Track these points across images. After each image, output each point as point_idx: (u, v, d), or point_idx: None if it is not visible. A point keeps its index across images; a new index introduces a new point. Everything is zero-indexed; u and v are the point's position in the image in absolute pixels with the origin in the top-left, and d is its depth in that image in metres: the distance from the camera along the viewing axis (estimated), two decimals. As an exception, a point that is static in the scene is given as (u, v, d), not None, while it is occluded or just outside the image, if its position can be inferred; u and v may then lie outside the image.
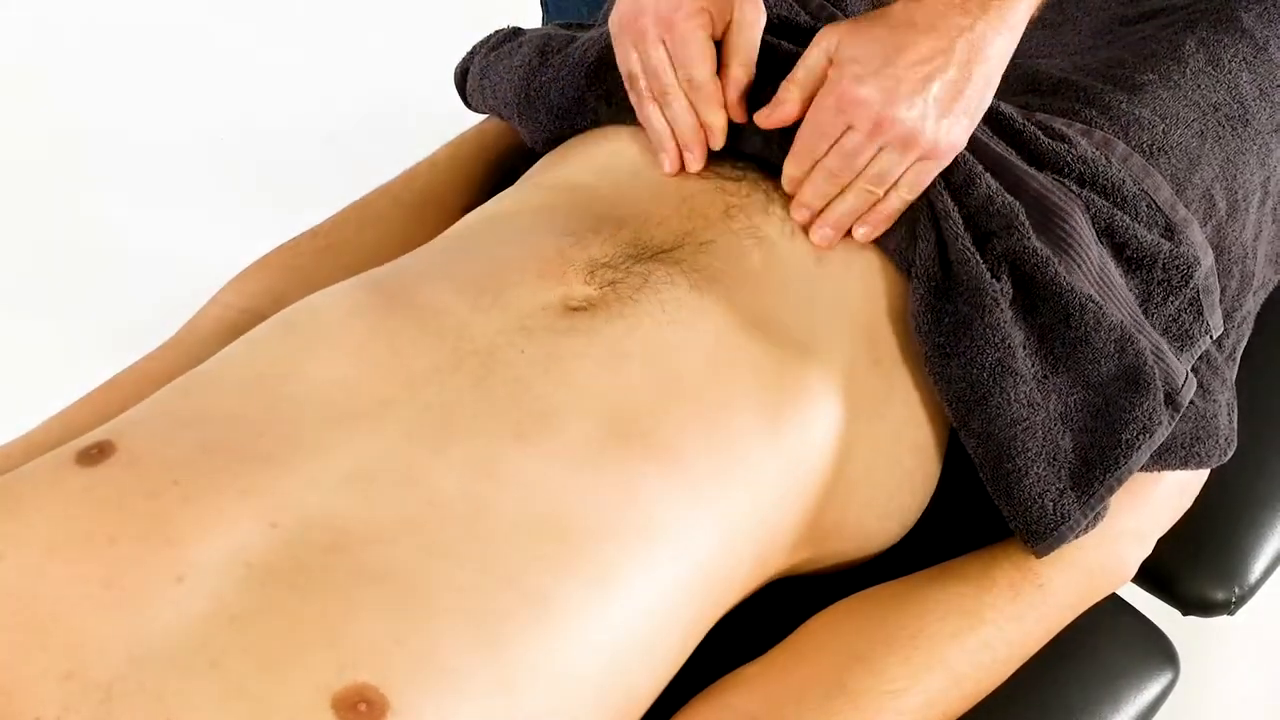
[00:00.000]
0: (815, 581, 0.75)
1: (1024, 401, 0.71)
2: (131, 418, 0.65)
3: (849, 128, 0.71)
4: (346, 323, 0.68)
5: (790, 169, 0.74)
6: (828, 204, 0.74)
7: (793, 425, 0.68)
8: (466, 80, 0.96)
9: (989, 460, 0.71)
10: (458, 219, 0.82)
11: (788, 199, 0.76)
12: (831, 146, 0.72)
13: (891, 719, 0.66)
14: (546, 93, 0.85)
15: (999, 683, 0.71)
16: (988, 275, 0.71)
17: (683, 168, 0.77)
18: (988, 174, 0.75)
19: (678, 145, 0.76)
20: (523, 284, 0.70)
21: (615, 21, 0.78)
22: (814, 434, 0.69)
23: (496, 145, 0.98)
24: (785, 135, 0.75)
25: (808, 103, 0.73)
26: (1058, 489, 0.70)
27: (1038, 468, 0.70)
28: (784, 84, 0.73)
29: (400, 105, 1.86)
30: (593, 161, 0.82)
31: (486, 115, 0.99)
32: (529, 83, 0.87)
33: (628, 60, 0.77)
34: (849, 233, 0.75)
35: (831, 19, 0.88)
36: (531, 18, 1.37)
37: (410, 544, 0.57)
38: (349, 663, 0.52)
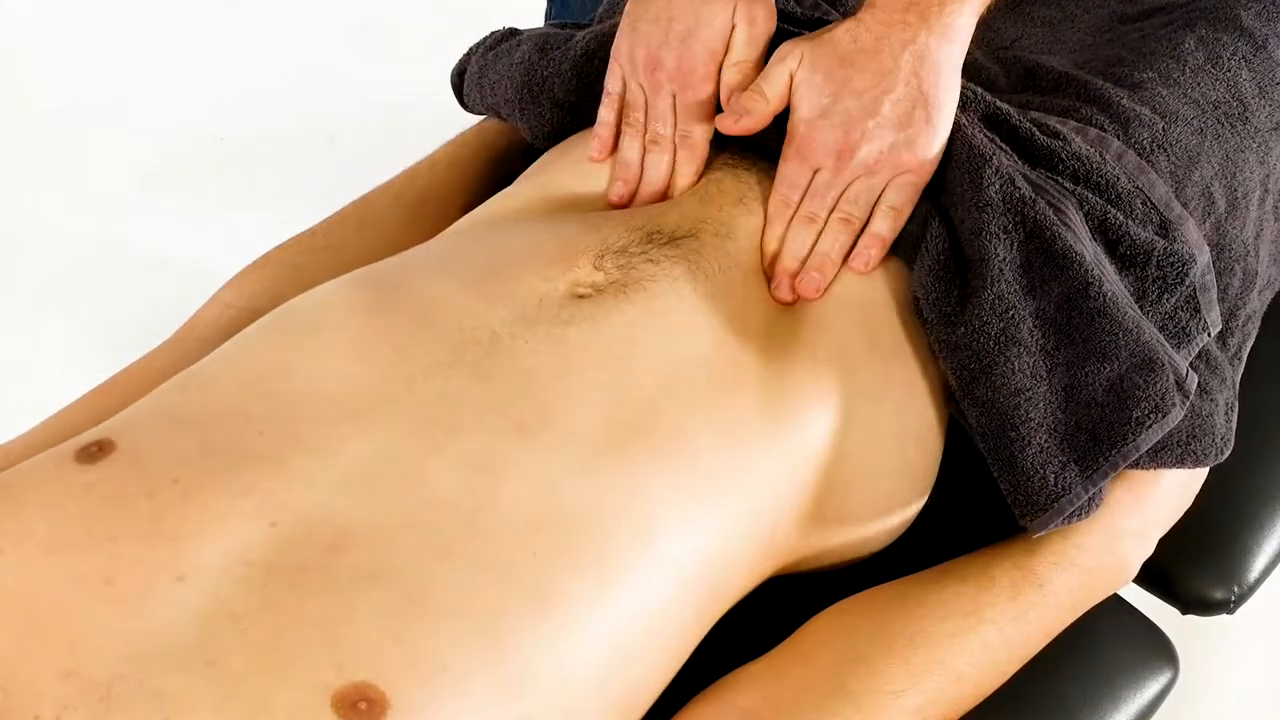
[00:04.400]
0: (816, 581, 0.75)
1: (1028, 372, 0.71)
2: (130, 416, 0.65)
3: (816, 171, 0.74)
4: (345, 319, 0.68)
5: (771, 234, 0.75)
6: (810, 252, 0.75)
7: (792, 412, 0.68)
8: (463, 82, 0.96)
9: (992, 429, 0.71)
10: (458, 218, 0.82)
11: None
12: (804, 194, 0.75)
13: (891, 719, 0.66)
14: (549, 86, 0.86)
15: (1000, 683, 0.71)
16: (997, 246, 0.72)
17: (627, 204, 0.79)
18: (1000, 152, 0.76)
19: (637, 184, 0.78)
20: (529, 272, 0.70)
21: (625, 56, 0.80)
22: (812, 421, 0.69)
23: (496, 145, 0.98)
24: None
25: (771, 114, 0.75)
26: (1060, 461, 0.70)
27: (1040, 438, 0.70)
28: (749, 94, 0.75)
29: (400, 105, 1.86)
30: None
31: (484, 116, 0.99)
32: (530, 77, 0.87)
33: (626, 88, 0.79)
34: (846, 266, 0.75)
35: (816, 6, 0.88)
36: (530, 18, 1.37)
37: (409, 542, 0.57)
38: (348, 661, 0.52)
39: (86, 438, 0.61)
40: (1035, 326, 0.71)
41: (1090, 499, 0.71)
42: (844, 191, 0.74)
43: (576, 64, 0.85)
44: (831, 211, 0.75)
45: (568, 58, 0.86)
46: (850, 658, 0.68)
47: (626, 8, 0.81)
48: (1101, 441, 0.70)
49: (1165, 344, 0.74)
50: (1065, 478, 0.70)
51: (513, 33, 0.94)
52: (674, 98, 0.78)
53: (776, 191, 0.75)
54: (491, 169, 0.98)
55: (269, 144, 1.91)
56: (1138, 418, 0.70)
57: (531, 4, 1.38)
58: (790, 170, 0.75)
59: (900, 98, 0.72)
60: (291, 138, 1.91)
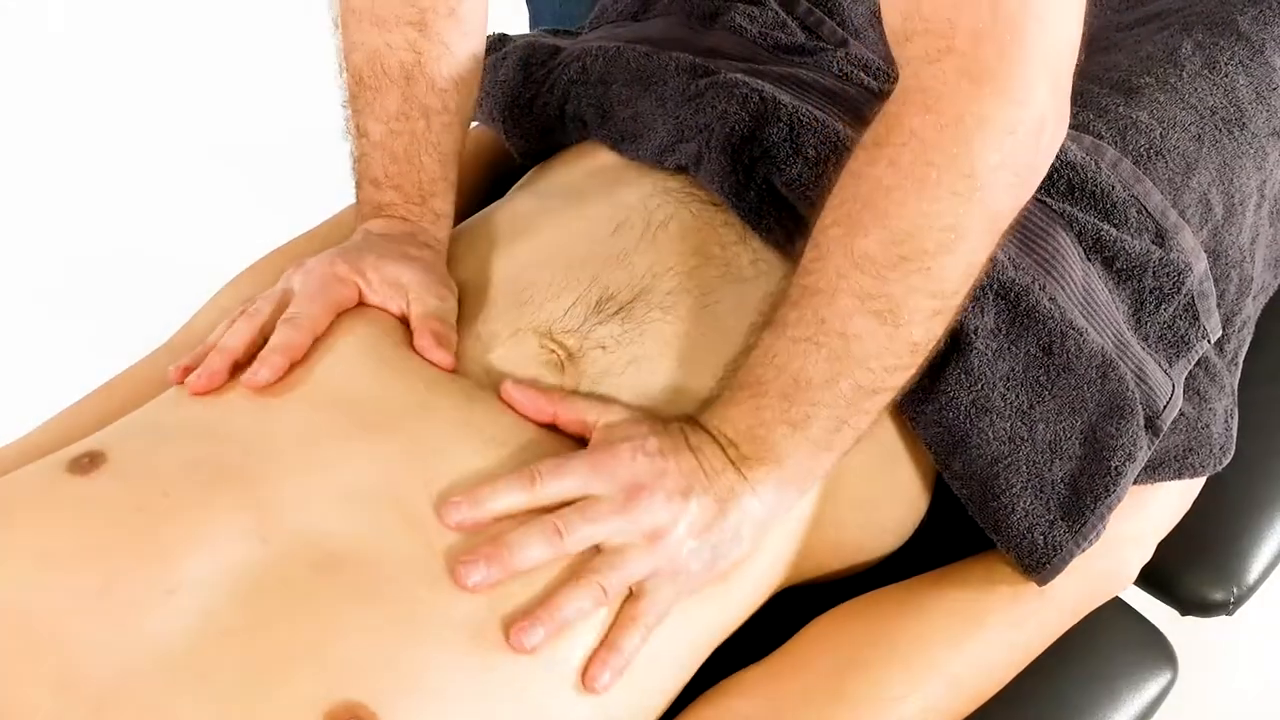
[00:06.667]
0: (815, 586, 0.75)
1: (1005, 438, 0.70)
2: (123, 427, 0.65)
3: (588, 498, 0.61)
4: (332, 343, 0.67)
5: (502, 499, 0.60)
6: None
7: None
8: None
9: (975, 499, 0.71)
10: (455, 223, 0.82)
11: (754, 234, 0.72)
12: (564, 506, 0.60)
13: None
14: (529, 110, 0.85)
15: (999, 688, 0.71)
16: (966, 313, 0.69)
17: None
18: None
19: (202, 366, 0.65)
20: (478, 351, 0.69)
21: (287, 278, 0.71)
22: None
23: (493, 148, 0.98)
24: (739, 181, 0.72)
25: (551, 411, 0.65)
26: (1048, 520, 0.70)
27: (1024, 502, 0.70)
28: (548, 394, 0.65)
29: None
30: (559, 186, 0.82)
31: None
32: (513, 100, 0.87)
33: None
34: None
35: (819, 25, 0.88)
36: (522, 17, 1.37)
37: (399, 567, 0.57)
38: (340, 680, 0.52)
39: (78, 448, 0.61)
40: (1008, 389, 0.70)
41: (1090, 542, 0.71)
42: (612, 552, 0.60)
43: (554, 90, 0.84)
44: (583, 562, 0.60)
45: (548, 82, 0.85)
46: (850, 663, 0.68)
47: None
48: (1085, 495, 0.70)
49: (1143, 376, 0.74)
50: (1054, 536, 0.70)
51: (501, 40, 0.93)
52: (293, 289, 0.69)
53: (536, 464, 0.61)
54: (489, 171, 0.98)
55: (269, 144, 1.91)
56: (1116, 467, 0.70)
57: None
58: (570, 465, 0.61)
59: (706, 506, 0.61)
60: (292, 138, 1.91)
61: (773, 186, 0.73)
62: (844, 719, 0.66)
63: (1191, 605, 0.86)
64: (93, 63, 2.09)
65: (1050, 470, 0.70)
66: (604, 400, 0.66)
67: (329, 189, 1.03)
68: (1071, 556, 0.70)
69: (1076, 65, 0.91)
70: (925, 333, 0.62)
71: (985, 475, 0.70)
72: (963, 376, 0.69)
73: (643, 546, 0.60)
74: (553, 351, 0.68)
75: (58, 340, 1.68)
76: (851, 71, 0.81)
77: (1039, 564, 0.70)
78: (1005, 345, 0.70)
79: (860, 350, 0.61)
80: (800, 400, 0.62)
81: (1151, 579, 0.84)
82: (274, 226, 0.96)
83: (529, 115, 0.86)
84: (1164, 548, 0.81)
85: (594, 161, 0.82)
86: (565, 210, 0.77)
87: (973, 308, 0.69)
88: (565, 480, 0.60)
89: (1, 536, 0.56)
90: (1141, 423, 0.72)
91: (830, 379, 0.62)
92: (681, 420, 0.65)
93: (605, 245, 0.72)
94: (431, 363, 0.67)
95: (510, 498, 0.59)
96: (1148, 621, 0.81)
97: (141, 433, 0.63)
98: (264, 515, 0.58)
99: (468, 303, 0.73)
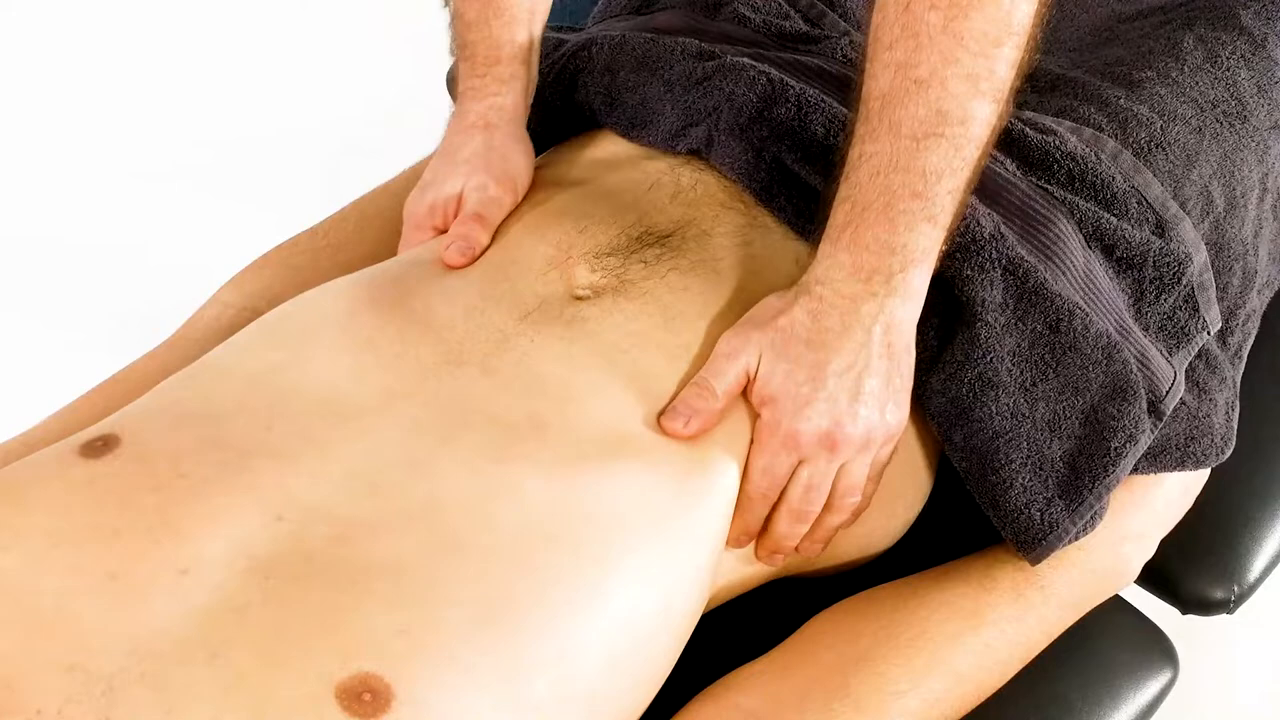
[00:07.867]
0: (818, 580, 0.75)
1: (1007, 413, 0.70)
2: (136, 410, 0.65)
3: (801, 462, 0.67)
4: (350, 317, 0.68)
5: (743, 525, 0.68)
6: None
7: None
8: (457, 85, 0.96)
9: (974, 472, 0.71)
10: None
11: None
12: (786, 485, 0.67)
13: None
14: (536, 99, 0.86)
15: (1001, 683, 0.71)
16: (975, 286, 0.70)
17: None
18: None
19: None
20: (528, 273, 0.71)
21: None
22: None
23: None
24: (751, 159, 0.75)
25: (720, 412, 0.66)
26: (1045, 498, 0.70)
27: (1023, 478, 0.70)
28: (696, 391, 0.66)
29: (400, 104, 1.86)
30: (587, 159, 0.83)
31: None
32: None
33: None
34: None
35: (821, 17, 0.88)
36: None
37: (417, 536, 0.57)
38: (353, 653, 0.53)
39: (90, 433, 0.62)
40: (1014, 365, 0.70)
41: (1085, 525, 0.71)
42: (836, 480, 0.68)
43: (561, 80, 0.86)
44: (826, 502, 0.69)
45: (554, 72, 0.86)
46: (853, 658, 0.68)
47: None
48: (1083, 474, 0.70)
49: (1146, 361, 0.74)
50: (1051, 514, 0.70)
51: None
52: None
53: (754, 485, 0.67)
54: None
55: (269, 144, 1.91)
56: (1116, 448, 0.71)
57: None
58: (775, 464, 0.66)
59: (878, 370, 0.66)
60: (291, 138, 1.91)
61: (783, 165, 0.74)
62: (847, 714, 0.65)
63: (1192, 604, 0.86)
64: (93, 63, 2.09)
65: (1050, 448, 0.70)
66: (727, 354, 0.67)
67: (328, 189, 1.03)
68: (1067, 535, 0.70)
69: (1075, 59, 0.91)
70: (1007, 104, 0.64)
71: (986, 449, 0.70)
72: (969, 350, 0.70)
73: (859, 457, 0.68)
74: (598, 270, 0.70)
75: (57, 340, 1.68)
76: (856, 58, 0.82)
77: (1034, 541, 0.70)
78: (1013, 321, 0.71)
79: (979, 131, 0.63)
80: (933, 196, 0.64)
81: (1152, 577, 0.84)
82: (274, 226, 0.96)
83: (535, 106, 0.86)
84: (1164, 546, 0.81)
85: (604, 149, 0.83)
86: (596, 176, 0.79)
87: (981, 280, 0.70)
88: (779, 476, 0.67)
89: (11, 520, 0.56)
90: (1144, 406, 0.72)
91: (956, 167, 0.64)
92: (813, 305, 0.66)
93: (643, 198, 0.76)
94: (447, 264, 0.73)
95: (753, 516, 0.68)
96: (1148, 620, 0.81)
97: (156, 415, 0.64)
98: (281, 492, 0.58)
99: (515, 242, 0.75)
